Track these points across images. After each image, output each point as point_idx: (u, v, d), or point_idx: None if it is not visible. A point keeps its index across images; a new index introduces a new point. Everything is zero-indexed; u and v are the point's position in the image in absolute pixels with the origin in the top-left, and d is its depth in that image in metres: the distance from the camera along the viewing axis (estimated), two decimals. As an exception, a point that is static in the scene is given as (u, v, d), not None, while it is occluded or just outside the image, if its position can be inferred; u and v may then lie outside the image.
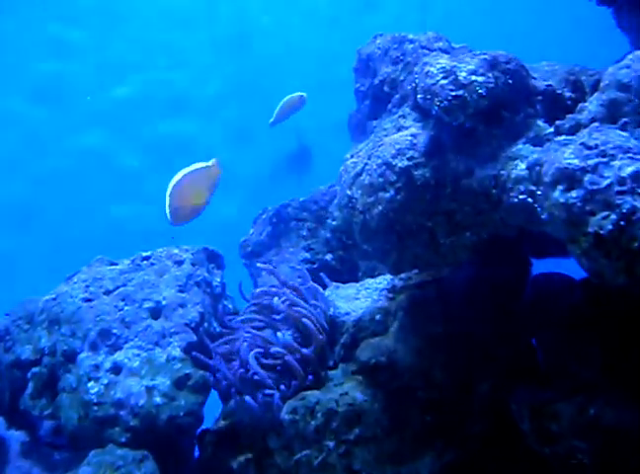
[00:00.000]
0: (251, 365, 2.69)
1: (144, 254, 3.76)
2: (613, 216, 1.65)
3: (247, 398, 2.68)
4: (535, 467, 2.40)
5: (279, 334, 2.75)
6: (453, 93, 2.06)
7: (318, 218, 4.22)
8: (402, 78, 3.57)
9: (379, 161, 2.23)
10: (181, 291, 3.45)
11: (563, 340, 2.34)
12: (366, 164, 2.30)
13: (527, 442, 2.24)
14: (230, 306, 3.90)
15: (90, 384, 3.04)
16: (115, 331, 3.25)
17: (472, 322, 2.51)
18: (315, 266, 3.95)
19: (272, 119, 4.48)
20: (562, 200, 1.76)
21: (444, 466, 2.49)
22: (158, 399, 2.96)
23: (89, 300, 3.41)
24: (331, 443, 2.48)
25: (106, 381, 3.05)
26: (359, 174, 2.32)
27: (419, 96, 2.18)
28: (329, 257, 4.02)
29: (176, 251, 3.76)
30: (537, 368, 2.50)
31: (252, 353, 2.71)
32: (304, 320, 2.72)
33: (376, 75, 3.88)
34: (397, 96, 2.74)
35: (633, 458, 2.03)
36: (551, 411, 2.15)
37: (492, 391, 2.46)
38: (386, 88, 3.75)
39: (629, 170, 1.68)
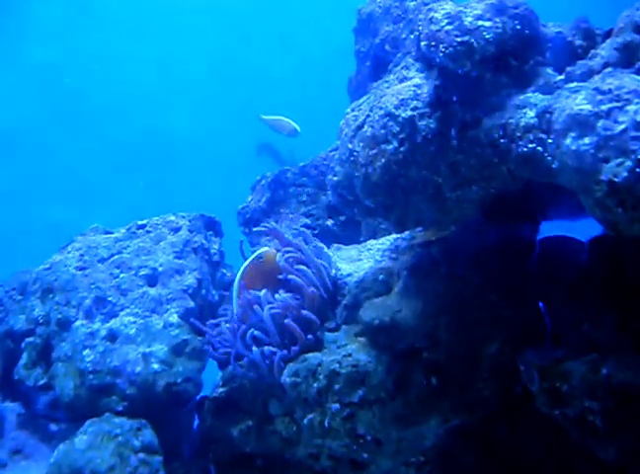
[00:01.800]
0: (265, 321, 2.63)
1: (140, 222, 3.72)
2: (628, 163, 1.59)
3: (254, 350, 2.61)
4: (545, 431, 2.36)
5: (276, 296, 2.68)
6: (459, 39, 1.98)
7: (318, 184, 4.18)
8: (404, 36, 3.51)
9: (382, 112, 2.16)
10: (178, 258, 3.41)
11: (574, 300, 2.28)
12: (368, 116, 2.23)
13: (537, 405, 2.18)
14: (229, 275, 3.86)
15: (85, 352, 3.00)
16: (110, 298, 3.21)
17: (479, 283, 2.45)
18: (315, 232, 3.90)
19: (264, 117, 4.41)
20: (574, 148, 1.70)
21: (451, 430, 2.45)
22: (155, 366, 2.93)
23: (83, 268, 3.38)
24: (334, 406, 2.43)
25: (101, 349, 3.01)
26: (360, 126, 2.25)
27: (422, 43, 2.10)
28: (330, 223, 3.98)
29: (172, 218, 3.72)
30: (545, 332, 2.44)
31: (267, 307, 2.64)
32: (292, 277, 2.66)
33: (377, 35, 3.82)
34: (399, 55, 2.66)
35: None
36: (561, 370, 2.09)
37: (500, 353, 2.40)
38: (388, 47, 3.69)
39: (645, 115, 1.62)
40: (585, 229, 2.44)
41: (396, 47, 3.51)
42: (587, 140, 1.67)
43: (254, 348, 2.63)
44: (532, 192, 2.26)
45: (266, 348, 2.61)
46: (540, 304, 2.51)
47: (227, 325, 2.86)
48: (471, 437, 2.48)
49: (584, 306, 2.23)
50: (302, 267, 2.71)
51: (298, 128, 4.64)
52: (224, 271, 3.89)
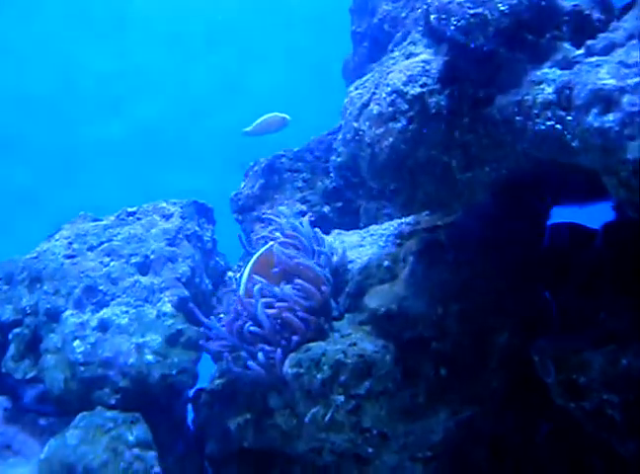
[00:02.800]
0: (260, 314, 2.54)
1: (130, 209, 3.64)
2: (657, 140, 1.51)
3: (250, 363, 2.54)
4: (560, 425, 2.29)
5: (276, 289, 2.59)
6: (472, 11, 1.90)
7: (314, 169, 4.10)
8: (404, 15, 3.43)
9: (389, 89, 2.08)
10: (170, 245, 3.34)
11: (588, 288, 2.21)
12: (374, 93, 2.15)
13: (551, 397, 2.10)
14: (222, 263, 3.80)
15: (75, 343, 2.92)
16: (100, 287, 3.14)
17: (487, 269, 2.38)
18: (312, 219, 3.82)
19: (247, 129, 4.30)
20: (597, 125, 1.62)
21: (460, 423, 2.37)
22: (149, 357, 2.85)
23: (72, 257, 3.31)
24: (339, 398, 2.35)
25: (92, 340, 2.93)
26: (366, 104, 2.17)
27: (432, 17, 2.02)
28: (326, 209, 3.90)
29: (164, 204, 3.65)
30: (553, 321, 2.37)
31: (261, 301, 2.56)
32: (298, 280, 2.58)
33: (375, 14, 3.74)
34: (399, 34, 2.58)
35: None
36: (579, 361, 2.00)
37: (509, 343, 2.33)
38: (387, 27, 3.62)
39: (674, 89, 1.54)
40: (591, 216, 2.39)
41: (395, 27, 3.43)
42: (611, 117, 1.59)
43: (249, 362, 2.54)
44: (543, 175, 2.19)
45: (265, 348, 2.53)
46: (546, 293, 2.44)
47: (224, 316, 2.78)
48: (481, 430, 2.40)
49: (599, 295, 2.16)
50: (302, 260, 2.63)
51: (287, 116, 4.55)
52: (218, 259, 3.82)
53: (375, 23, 3.68)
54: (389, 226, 2.79)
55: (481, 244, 2.42)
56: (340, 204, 3.92)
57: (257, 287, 2.57)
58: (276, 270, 2.68)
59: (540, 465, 2.39)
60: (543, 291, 2.43)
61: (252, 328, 2.57)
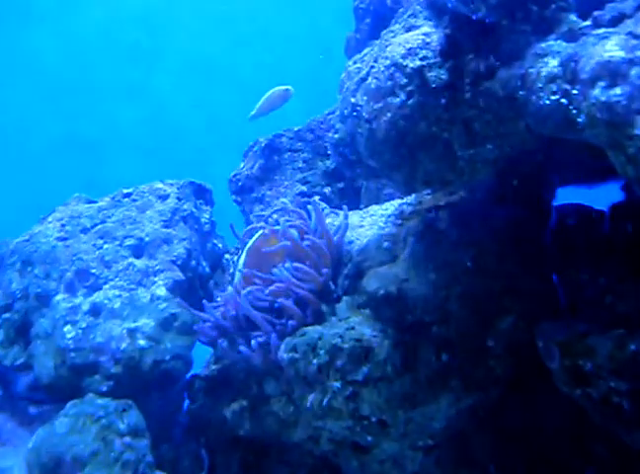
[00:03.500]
0: (244, 308, 2.51)
1: (125, 190, 3.60)
2: (667, 114, 1.46)
3: (242, 348, 2.50)
4: (565, 413, 2.24)
5: (275, 270, 2.55)
6: (473, -20, 1.85)
7: (315, 149, 4.06)
8: (408, -11, 3.36)
9: (387, 62, 2.03)
10: (165, 227, 3.30)
11: (595, 270, 2.16)
12: (372, 67, 2.10)
13: (556, 384, 2.06)
14: (220, 246, 3.75)
15: (66, 328, 2.89)
16: (93, 271, 3.10)
17: (492, 250, 2.33)
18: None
19: (252, 113, 4.24)
20: (603, 99, 1.57)
21: (463, 411, 2.33)
22: (142, 342, 2.82)
23: (64, 239, 3.26)
24: (336, 384, 2.31)
25: (84, 325, 2.90)
26: (364, 78, 2.12)
27: (433, -13, 1.97)
28: (327, 190, 3.86)
29: (160, 185, 3.61)
30: (560, 305, 2.32)
31: (244, 291, 2.52)
32: (296, 264, 2.54)
33: (379, -12, 3.68)
34: (402, 9, 2.52)
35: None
36: (584, 347, 1.96)
37: (514, 328, 2.29)
38: (389, 2, 3.56)
39: (684, 61, 1.49)
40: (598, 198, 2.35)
41: (399, 2, 3.37)
42: (618, 90, 1.54)
43: (242, 347, 2.51)
44: (549, 153, 2.14)
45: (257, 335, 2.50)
46: (554, 276, 2.39)
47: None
48: (484, 419, 2.36)
49: (606, 277, 2.11)
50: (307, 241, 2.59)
51: (290, 88, 4.49)
52: (216, 241, 3.78)
53: (378, -2, 3.63)
54: (390, 206, 2.74)
55: (485, 224, 2.38)
56: (341, 185, 3.88)
57: (244, 292, 2.54)
58: (274, 246, 2.63)
59: (545, 453, 2.35)
60: (550, 274, 2.39)
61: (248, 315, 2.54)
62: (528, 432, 2.36)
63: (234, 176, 4.28)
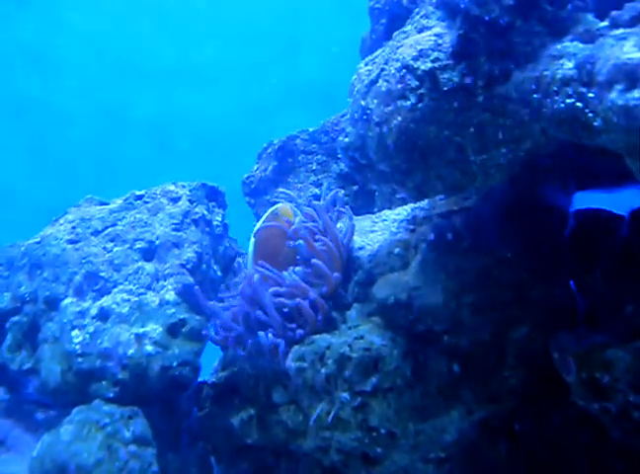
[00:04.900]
0: (266, 305, 2.47)
1: (138, 192, 3.58)
2: (686, 119, 1.41)
3: (260, 333, 2.46)
4: (582, 428, 2.19)
5: (285, 273, 2.52)
6: (487, -20, 1.81)
7: (329, 151, 4.03)
8: (426, -11, 3.31)
9: (398, 65, 1.99)
10: (176, 230, 3.27)
11: (614, 279, 2.11)
12: (383, 69, 2.06)
13: (572, 398, 2.01)
14: (233, 249, 3.72)
15: (74, 333, 2.86)
16: (102, 274, 3.08)
17: (506, 258, 2.29)
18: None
19: None
20: (621, 103, 1.52)
21: (476, 424, 2.28)
22: (149, 348, 2.78)
23: (75, 242, 3.24)
24: (344, 395, 2.27)
25: (92, 329, 2.87)
26: (374, 81, 2.08)
27: (446, -13, 1.92)
28: (341, 193, 3.82)
29: (172, 187, 3.58)
30: (577, 315, 2.26)
31: (270, 290, 2.49)
32: (314, 261, 2.49)
33: (395, -12, 3.63)
34: (417, 10, 2.47)
35: None
36: (602, 359, 1.91)
37: (529, 338, 2.24)
38: (405, 2, 3.51)
39: None
40: (621, 203, 2.30)
41: (415, 2, 3.33)
42: (636, 94, 1.49)
43: (260, 332, 2.47)
44: (566, 157, 2.09)
45: (270, 335, 2.46)
46: (571, 283, 2.33)
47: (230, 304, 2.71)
48: (498, 432, 2.31)
49: (625, 286, 2.06)
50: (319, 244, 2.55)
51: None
52: (228, 244, 3.74)
53: (395, -2, 3.58)
54: (402, 211, 2.70)
55: (500, 230, 2.33)
56: (355, 188, 3.85)
57: (256, 276, 2.50)
58: (291, 244, 2.59)
59: (561, 469, 2.30)
60: (567, 282, 2.33)
61: (260, 315, 2.50)
62: (543, 445, 2.31)
63: (247, 178, 4.26)
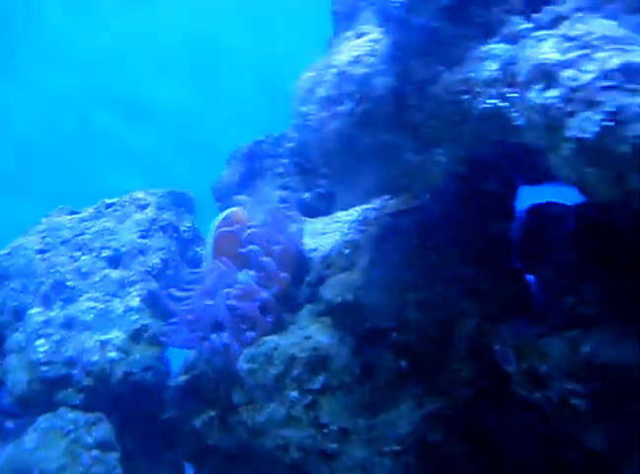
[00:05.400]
0: (219, 306, 2.52)
1: (108, 201, 3.62)
2: (597, 116, 1.46)
3: (213, 337, 2.51)
4: (534, 416, 2.24)
5: (239, 274, 2.57)
6: (415, -14, 1.86)
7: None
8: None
9: (335, 71, 2.04)
10: (143, 237, 3.32)
11: (558, 272, 2.16)
12: (322, 75, 2.11)
13: (513, 388, 2.06)
14: (203, 252, 3.76)
15: (39, 342, 2.91)
16: (69, 283, 3.12)
17: (454, 254, 2.34)
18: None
19: None
20: (539, 102, 1.58)
21: (427, 417, 2.32)
22: (113, 354, 2.83)
23: (43, 252, 3.28)
24: (293, 393, 2.32)
25: (57, 338, 2.92)
26: (314, 87, 2.13)
27: (380, -6, 1.98)
28: (306, 195, 3.86)
29: (140, 195, 3.63)
30: (530, 307, 2.31)
31: (224, 291, 2.54)
32: (263, 258, 2.54)
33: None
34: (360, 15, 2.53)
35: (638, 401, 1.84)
36: (538, 349, 1.96)
37: (478, 331, 2.28)
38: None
39: (616, 62, 1.49)
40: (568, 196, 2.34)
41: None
42: (553, 93, 1.55)
43: (213, 335, 2.52)
44: (510, 153, 2.15)
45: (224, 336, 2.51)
46: (530, 277, 2.38)
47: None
48: (454, 423, 2.35)
49: (567, 278, 2.11)
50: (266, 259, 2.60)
51: None
52: (198, 249, 3.79)
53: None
54: (354, 212, 2.74)
55: (448, 227, 2.38)
56: (322, 191, 3.88)
57: (211, 278, 2.56)
58: (243, 250, 2.64)
59: (518, 458, 2.35)
60: (515, 275, 2.39)
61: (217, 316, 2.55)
62: (499, 435, 2.36)
63: (217, 182, 4.28)
